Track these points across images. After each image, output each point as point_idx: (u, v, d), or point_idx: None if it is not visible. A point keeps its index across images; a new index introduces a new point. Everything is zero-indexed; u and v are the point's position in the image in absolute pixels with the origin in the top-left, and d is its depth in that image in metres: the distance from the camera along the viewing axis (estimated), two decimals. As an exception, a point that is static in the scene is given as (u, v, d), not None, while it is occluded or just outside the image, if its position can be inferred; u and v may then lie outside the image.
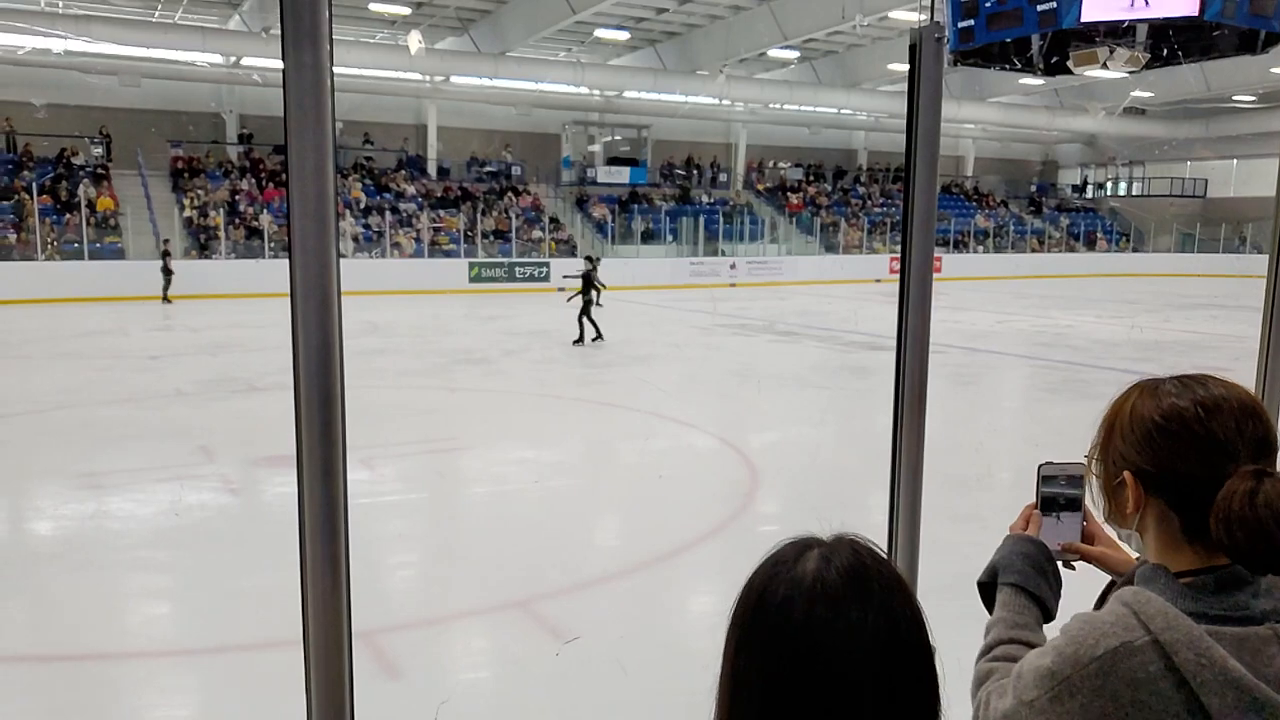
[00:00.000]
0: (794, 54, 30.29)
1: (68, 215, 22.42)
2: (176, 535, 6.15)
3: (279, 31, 1.00)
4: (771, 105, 32.70)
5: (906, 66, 1.80)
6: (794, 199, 34.47)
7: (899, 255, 1.91)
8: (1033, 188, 41.70)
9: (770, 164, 35.86)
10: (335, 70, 1.02)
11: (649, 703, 4.05)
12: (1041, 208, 40.27)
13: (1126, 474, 1.16)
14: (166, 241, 22.14)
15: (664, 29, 28.39)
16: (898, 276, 1.92)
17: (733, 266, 29.94)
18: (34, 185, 22.28)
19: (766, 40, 26.21)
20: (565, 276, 16.78)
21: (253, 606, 4.97)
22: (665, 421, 9.71)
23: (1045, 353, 14.87)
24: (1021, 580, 1.28)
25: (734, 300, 24.37)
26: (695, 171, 33.80)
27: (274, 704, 3.90)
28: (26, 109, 23.97)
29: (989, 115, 34.99)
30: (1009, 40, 5.75)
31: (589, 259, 16.40)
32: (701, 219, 30.97)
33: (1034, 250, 37.14)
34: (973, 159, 40.37)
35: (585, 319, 15.18)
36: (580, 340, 15.05)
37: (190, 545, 5.99)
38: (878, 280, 30.60)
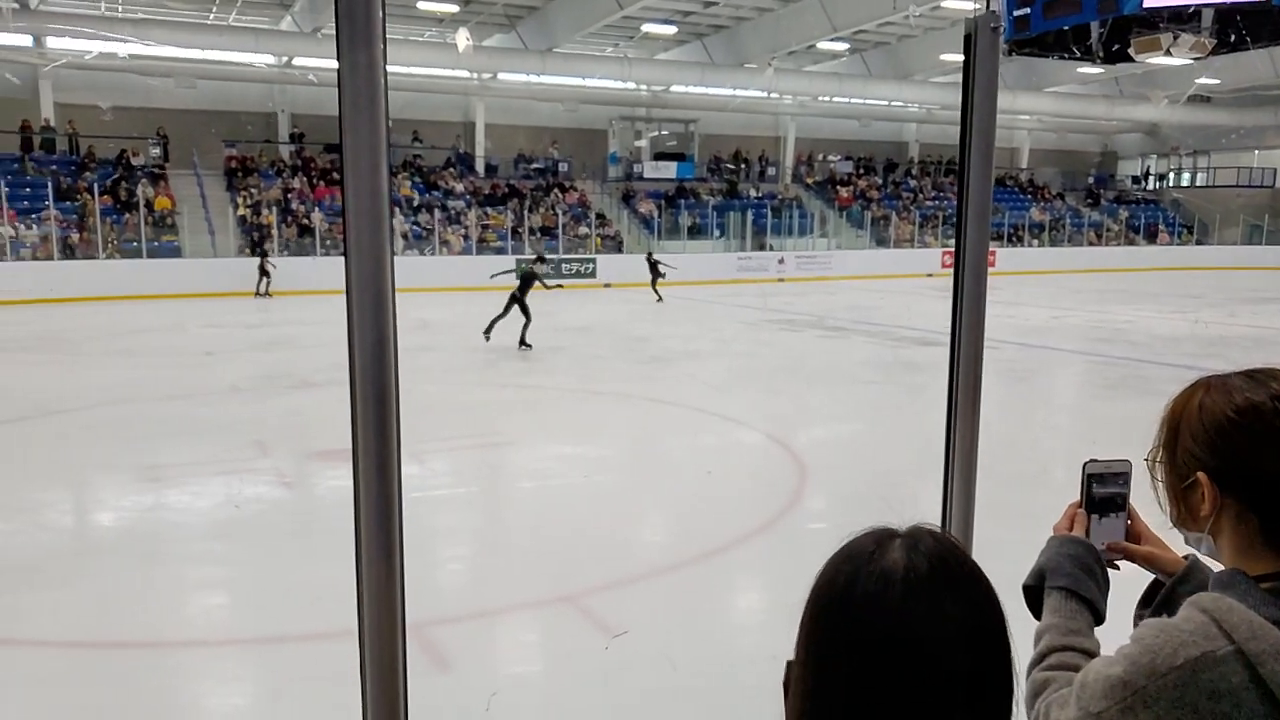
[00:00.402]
0: (844, 46, 29.99)
1: (127, 215, 22.96)
2: (233, 528, 6.27)
3: (332, 32, 1.01)
4: (820, 98, 32.40)
5: (960, 57, 1.76)
6: (844, 192, 34.14)
7: (952, 249, 1.87)
8: (1090, 179, 40.78)
9: (819, 157, 35.54)
10: (386, 69, 1.03)
11: (697, 698, 4.03)
12: (1099, 199, 39.38)
13: (1201, 475, 1.11)
14: (264, 241, 22.83)
15: (711, 23, 28.27)
16: (951, 271, 1.88)
17: (781, 261, 29.75)
18: (95, 186, 22.85)
19: (816, 32, 25.98)
20: (493, 276, 16.07)
21: (307, 598, 5.04)
22: (712, 418, 9.67)
23: (1103, 348, 14.55)
24: (1071, 584, 1.23)
25: (782, 295, 24.20)
26: (743, 165, 33.62)
27: (327, 693, 3.94)
28: (89, 112, 24.62)
29: (1045, 106, 34.27)
30: (1067, 28, 5.61)
31: (539, 259, 15.92)
32: (749, 213, 30.80)
33: (1091, 243, 36.37)
34: (1028, 151, 39.63)
35: (524, 316, 14.04)
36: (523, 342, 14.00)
37: (246, 537, 6.10)
38: (929, 275, 30.18)
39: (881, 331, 16.70)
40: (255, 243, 23.33)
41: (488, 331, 14.10)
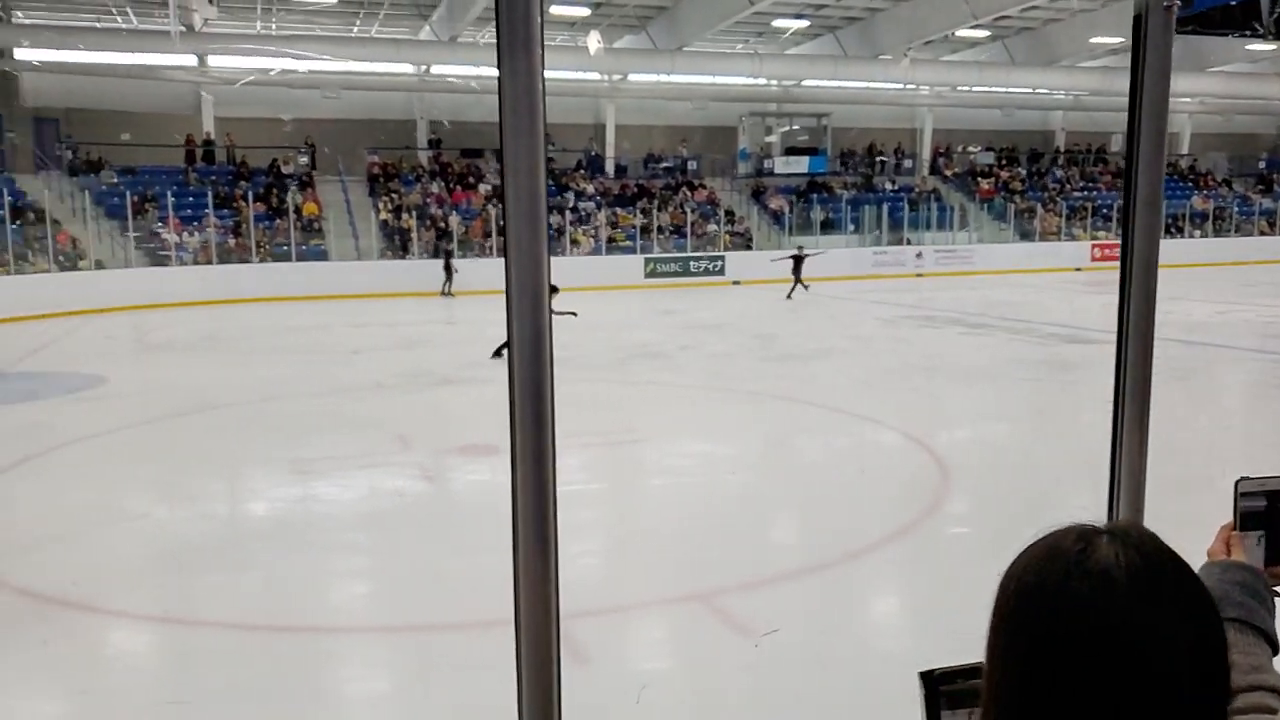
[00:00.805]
0: (985, 33, 28.80)
1: (278, 220, 24.19)
2: (377, 519, 6.54)
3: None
4: (960, 88, 31.20)
5: (1111, 39, 1.60)
6: (985, 184, 32.80)
7: (1109, 241, 1.70)
8: (1261, 164, 37.82)
9: (959, 148, 34.28)
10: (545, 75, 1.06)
11: (840, 700, 3.97)
12: (1272, 185, 36.53)
13: None
14: (449, 242, 24.13)
15: (845, 14, 27.64)
16: (1101, 264, 1.71)
17: (919, 256, 28.84)
18: (250, 194, 24.18)
19: (955, 20, 25.02)
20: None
21: (447, 588, 5.21)
22: (847, 417, 9.42)
23: (1275, 345, 13.46)
24: (1244, 614, 1.08)
25: (920, 291, 23.48)
26: (878, 158, 32.77)
27: (473, 680, 4.06)
28: (244, 125, 26.11)
29: (1209, 87, 31.88)
30: (1234, 3, 5.17)
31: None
32: (885, 207, 29.97)
33: (1263, 233, 33.73)
34: (1189, 135, 37.08)
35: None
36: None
37: (389, 528, 6.34)
38: (1078, 269, 28.67)
39: (1027, 328, 15.94)
40: (441, 246, 24.61)
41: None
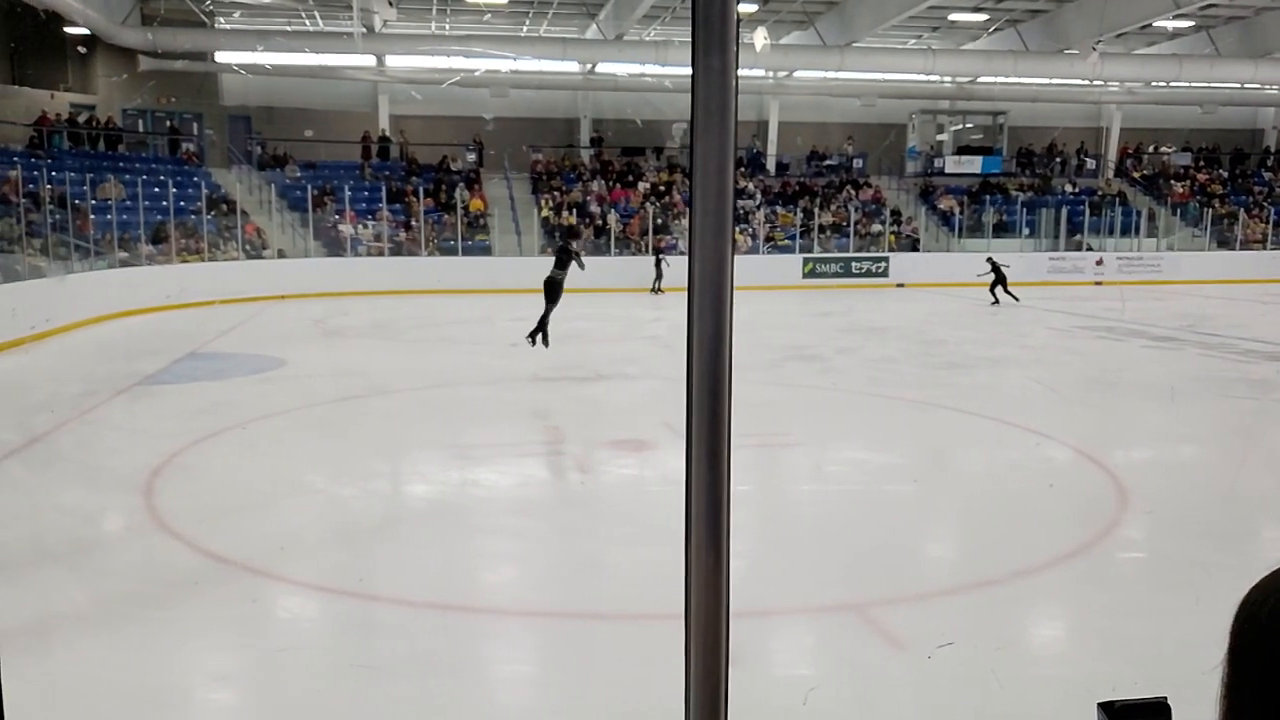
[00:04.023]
0: (1187, 23, 26.70)
1: (445, 216, 25.06)
2: (533, 506, 6.69)
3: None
4: (1154, 83, 29.05)
5: None
6: (1178, 187, 30.45)
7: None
8: None
9: (1150, 148, 31.96)
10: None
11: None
12: None
13: None
14: (661, 240, 24.71)
15: (1028, 7, 26.24)
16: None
17: (1099, 263, 27.06)
18: (420, 190, 25.15)
19: (1153, 10, 23.28)
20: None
21: (605, 578, 5.27)
22: (1014, 429, 8.83)
23: None
24: None
25: (1099, 300, 22.01)
26: (1057, 159, 30.97)
27: (620, 672, 4.10)
28: (416, 122, 27.24)
29: None
30: None
31: (569, 232, 13.22)
32: (1063, 210, 28.26)
33: None
34: None
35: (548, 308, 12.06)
36: (539, 337, 12.09)
37: (546, 516, 6.47)
38: (1285, 281, 26.27)
39: (1222, 344, 14.62)
40: (652, 244, 25.11)
41: (542, 335, 12.10)
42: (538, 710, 3.97)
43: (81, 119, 23.02)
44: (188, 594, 4.92)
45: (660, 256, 23.44)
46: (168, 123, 25.81)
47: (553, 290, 12.02)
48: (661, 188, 27.37)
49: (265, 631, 4.59)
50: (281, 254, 23.26)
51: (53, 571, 5.30)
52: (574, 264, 12.16)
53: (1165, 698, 0.85)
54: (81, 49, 23.61)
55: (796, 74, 28.28)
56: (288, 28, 26.04)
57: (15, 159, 19.22)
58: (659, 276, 23.06)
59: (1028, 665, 4.28)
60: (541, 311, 12.12)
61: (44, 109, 22.24)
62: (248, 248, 22.62)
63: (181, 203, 21.70)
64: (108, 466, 7.63)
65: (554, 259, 12.40)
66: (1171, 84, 28.83)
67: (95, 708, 3.82)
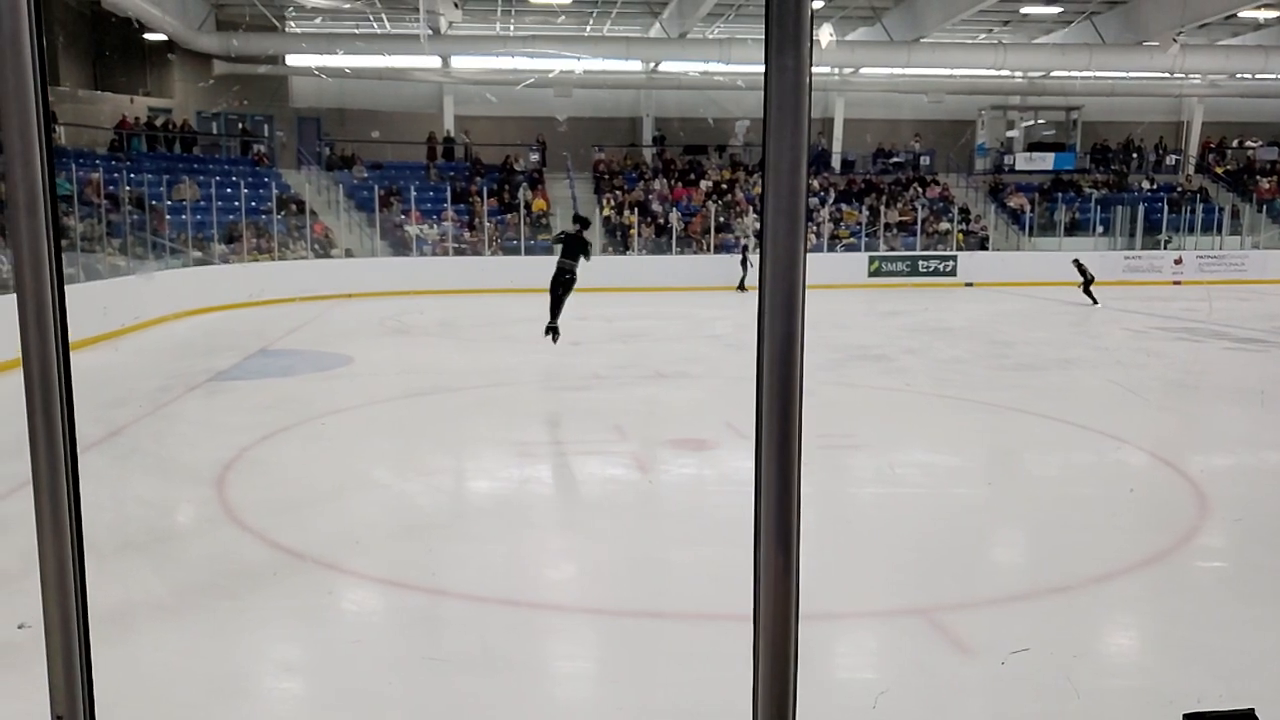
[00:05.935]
0: (1273, 14, 25.68)
1: (508, 215, 25.24)
2: (595, 504, 6.72)
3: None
4: (1239, 75, 28.01)
5: None
6: (1265, 183, 29.31)
7: None
8: None
9: (1234, 142, 30.82)
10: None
11: None
12: None
13: None
14: (745, 238, 24.84)
15: (1103, -1, 25.55)
16: None
17: (1178, 261, 26.19)
18: (484, 190, 25.38)
19: (1238, 0, 22.46)
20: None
21: (667, 577, 5.26)
22: (1087, 433, 8.58)
23: None
24: None
25: (1178, 299, 21.31)
26: (1134, 154, 30.05)
27: (684, 671, 4.08)
28: (481, 122, 27.47)
29: None
30: None
31: (577, 220, 12.81)
32: (1140, 208, 27.42)
33: None
34: None
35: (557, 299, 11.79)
36: (553, 332, 11.80)
37: (607, 514, 6.48)
38: (1379, 280, 25.15)
39: (1311, 345, 14.05)
40: (738, 242, 25.20)
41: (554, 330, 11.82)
42: (604, 707, 3.96)
43: (159, 122, 23.73)
44: (260, 585, 5.02)
45: (746, 252, 23.56)
46: (240, 125, 26.46)
47: (563, 281, 11.59)
48: (724, 185, 27.22)
49: (336, 623, 4.66)
50: (349, 253, 23.67)
51: (133, 561, 5.45)
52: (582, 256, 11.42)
53: (1253, 709, 0.82)
54: (170, 54, 24.36)
55: (863, 70, 27.89)
56: (355, 30, 26.50)
57: (97, 161, 19.90)
58: (745, 274, 23.16)
59: (1106, 675, 4.16)
60: (549, 305, 11.74)
61: (124, 113, 22.98)
62: (316, 247, 23.07)
63: (253, 203, 22.23)
64: (182, 460, 7.83)
65: (562, 246, 11.74)
66: (1257, 76, 27.77)
67: (173, 694, 3.92)
